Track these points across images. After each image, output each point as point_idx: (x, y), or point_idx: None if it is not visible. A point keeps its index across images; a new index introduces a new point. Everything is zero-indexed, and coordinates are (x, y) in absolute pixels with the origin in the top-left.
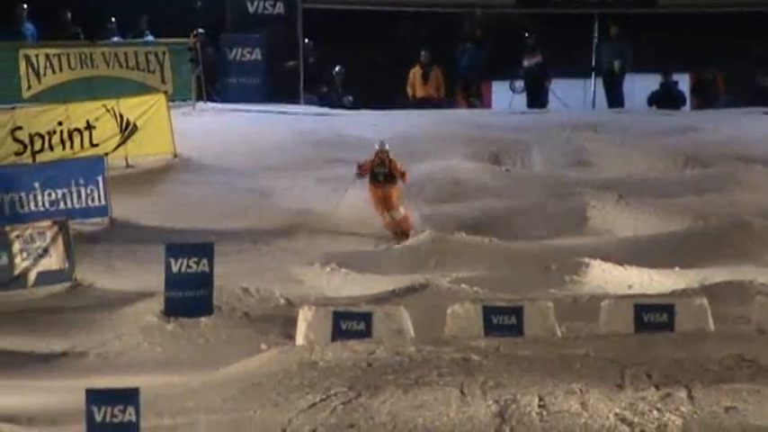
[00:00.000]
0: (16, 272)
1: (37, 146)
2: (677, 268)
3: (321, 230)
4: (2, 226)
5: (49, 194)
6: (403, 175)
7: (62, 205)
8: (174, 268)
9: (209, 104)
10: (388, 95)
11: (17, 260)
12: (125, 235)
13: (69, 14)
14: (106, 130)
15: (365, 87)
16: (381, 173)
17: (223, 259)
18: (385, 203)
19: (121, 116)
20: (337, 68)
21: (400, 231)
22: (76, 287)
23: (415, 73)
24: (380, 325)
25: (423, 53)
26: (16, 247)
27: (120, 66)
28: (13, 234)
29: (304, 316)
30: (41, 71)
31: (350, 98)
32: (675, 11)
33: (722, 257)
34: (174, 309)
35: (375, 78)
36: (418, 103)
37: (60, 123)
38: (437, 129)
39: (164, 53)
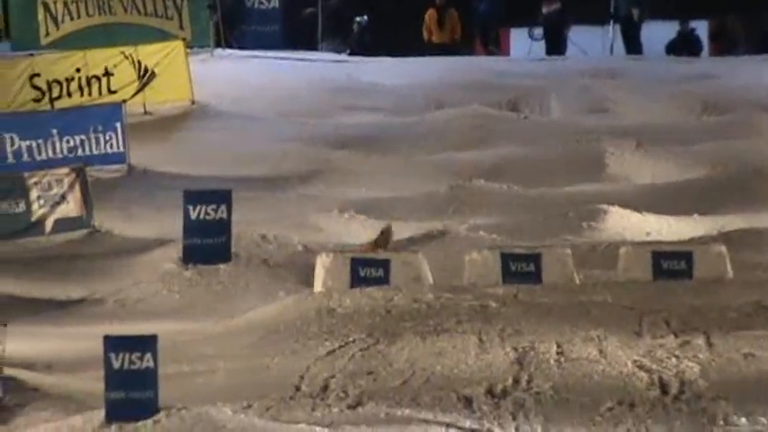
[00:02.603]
0: (34, 218)
1: (55, 92)
2: (695, 215)
3: (338, 177)
4: (20, 173)
5: (67, 141)
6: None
7: (80, 152)
8: (192, 215)
9: (227, 51)
10: (405, 41)
11: (35, 207)
12: (143, 182)
13: None
14: (124, 77)
15: (383, 33)
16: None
17: (241, 206)
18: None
19: (139, 63)
20: (358, 18)
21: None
22: (94, 234)
23: (431, 16)
24: (398, 272)
25: None
26: (34, 193)
27: (138, 12)
28: (31, 181)
29: (322, 263)
30: (59, 18)
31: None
32: None
33: (740, 204)
34: (192, 256)
35: (393, 23)
36: (434, 48)
37: (78, 70)
38: (455, 76)
39: (182, 0)
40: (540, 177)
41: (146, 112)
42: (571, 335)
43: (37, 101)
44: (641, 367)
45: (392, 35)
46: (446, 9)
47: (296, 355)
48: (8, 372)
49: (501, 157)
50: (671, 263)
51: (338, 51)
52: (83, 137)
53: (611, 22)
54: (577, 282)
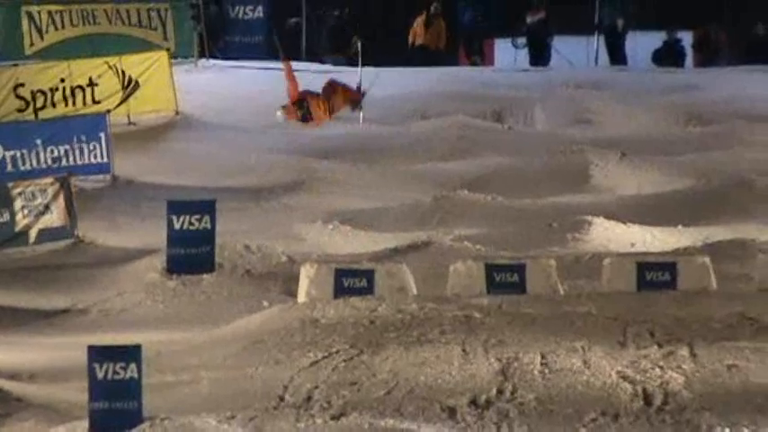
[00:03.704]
0: (18, 228)
1: (39, 102)
2: (680, 226)
3: (322, 187)
4: (3, 183)
5: (52, 151)
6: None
7: (64, 162)
8: (176, 225)
9: (212, 62)
10: (389, 47)
11: (18, 217)
12: (127, 192)
13: None
14: (108, 87)
15: (366, 41)
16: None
17: (225, 216)
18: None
19: (123, 73)
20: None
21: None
22: (78, 244)
23: (419, 21)
24: (383, 282)
25: (434, 5)
26: (18, 203)
27: (123, 22)
28: (15, 191)
29: (306, 273)
30: (44, 28)
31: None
32: None
33: (725, 216)
34: (175, 266)
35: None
36: (418, 50)
37: (62, 80)
38: (439, 86)
39: (166, 10)
40: (525, 188)
41: (130, 123)
42: (555, 345)
43: (21, 111)
44: (625, 378)
45: (376, 41)
46: (436, 17)
47: (280, 365)
48: None
49: (486, 168)
50: (655, 274)
51: (340, 64)
52: (67, 147)
53: (596, 32)
54: (561, 292)
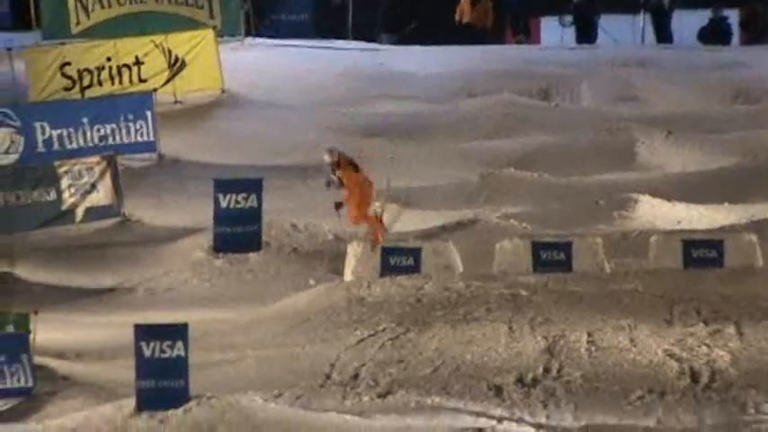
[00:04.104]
0: (64, 207)
1: (85, 81)
2: (726, 204)
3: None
4: (50, 161)
5: (98, 130)
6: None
7: (110, 141)
8: (223, 204)
9: (258, 40)
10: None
11: (65, 196)
12: (173, 170)
13: None
14: (154, 66)
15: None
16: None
17: (272, 195)
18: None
19: (170, 52)
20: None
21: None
22: (124, 222)
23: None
24: (429, 260)
25: None
26: (64, 182)
27: (169, 1)
28: (62, 169)
29: (353, 251)
30: (90, 6)
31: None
32: None
33: None
34: (222, 244)
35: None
36: (464, 28)
37: (109, 59)
38: (486, 64)
39: None
40: (571, 166)
41: (176, 101)
42: (602, 323)
43: (68, 90)
44: (672, 356)
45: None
46: None
47: (326, 343)
48: (39, 360)
49: (532, 146)
50: (701, 251)
51: (392, 43)
52: (113, 126)
53: (642, 10)
54: (608, 270)
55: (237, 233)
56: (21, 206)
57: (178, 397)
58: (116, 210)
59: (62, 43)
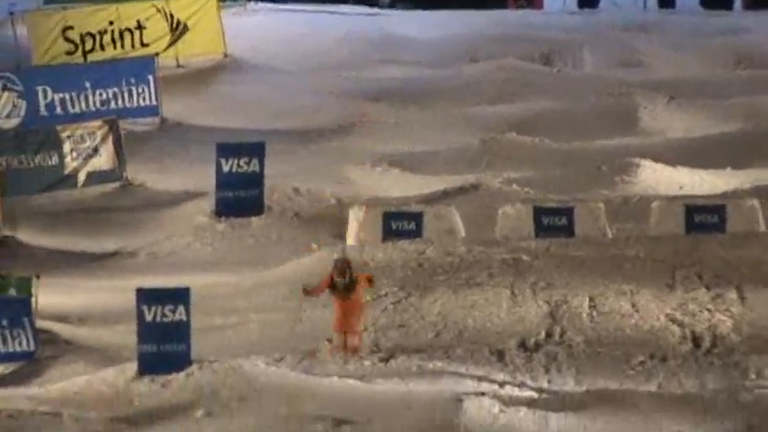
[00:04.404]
0: (67, 171)
1: (88, 45)
2: (728, 169)
3: (372, 130)
4: (52, 126)
5: (100, 94)
6: (370, 280)
7: (113, 105)
8: (225, 168)
9: (260, 5)
10: None
11: (67, 160)
12: (175, 135)
13: None
14: (157, 30)
15: None
16: (341, 283)
17: (274, 159)
18: (346, 322)
19: (172, 16)
20: None
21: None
22: (127, 187)
23: None
24: (431, 225)
25: None
26: (67, 146)
27: None
28: (64, 134)
29: (355, 216)
30: None
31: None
32: None
33: None
34: (224, 209)
35: None
36: None
37: (111, 23)
38: (488, 29)
39: None
40: (573, 131)
41: (178, 66)
42: (603, 288)
43: (70, 54)
44: (673, 321)
45: None
46: None
47: (328, 308)
48: (41, 324)
49: (534, 111)
50: (703, 216)
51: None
52: (115, 90)
53: None
54: (610, 235)
55: (239, 197)
56: (23, 170)
57: (180, 361)
58: (118, 174)
59: (64, 8)
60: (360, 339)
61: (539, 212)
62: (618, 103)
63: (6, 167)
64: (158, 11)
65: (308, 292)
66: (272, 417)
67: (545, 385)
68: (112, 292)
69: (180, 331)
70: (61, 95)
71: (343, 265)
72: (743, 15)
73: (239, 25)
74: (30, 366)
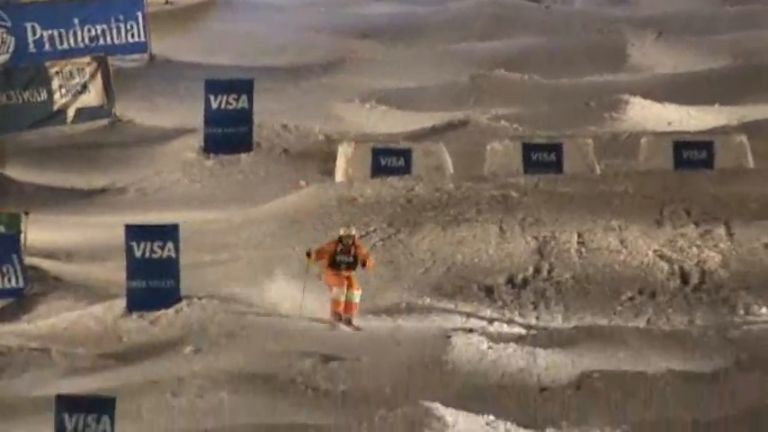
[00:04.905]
0: (56, 107)
1: None
2: (717, 105)
3: (360, 67)
4: (41, 62)
5: (89, 31)
6: (367, 263)
7: (101, 41)
8: (214, 105)
9: None
10: None
11: (56, 96)
12: (165, 71)
13: None
14: None
15: None
16: (344, 261)
17: (263, 96)
18: (346, 280)
19: None
20: None
21: (345, 316)
22: (116, 123)
23: None
24: (420, 161)
25: None
26: (55, 83)
27: None
28: (53, 70)
29: (343, 152)
30: None
31: None
32: None
33: (762, 94)
34: (213, 145)
35: None
36: None
37: None
38: None
39: None
40: (562, 67)
41: (167, 2)
42: (592, 224)
43: None
44: (662, 257)
45: None
46: None
47: (317, 244)
48: (30, 261)
49: (523, 47)
50: (692, 152)
51: None
52: (104, 26)
53: None
54: (598, 171)
55: (228, 134)
56: (12, 106)
57: (169, 297)
58: (107, 110)
59: None
60: (357, 306)
61: (527, 149)
62: (606, 40)
63: None
64: None
65: (318, 252)
66: (261, 353)
67: (533, 321)
68: (101, 229)
69: (169, 267)
70: (50, 32)
71: (349, 243)
72: None
73: None
74: (18, 303)
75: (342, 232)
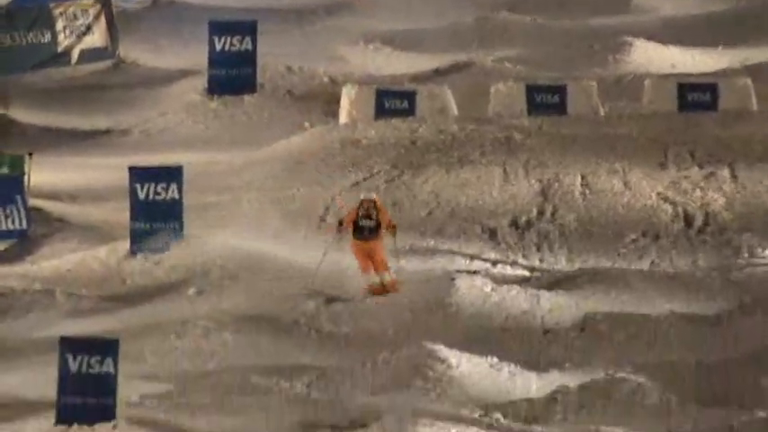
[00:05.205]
0: (60, 49)
1: None
2: (720, 47)
3: (364, 9)
4: (45, 3)
5: None
6: (393, 227)
7: None
8: (218, 46)
9: None
10: None
11: (60, 37)
12: (168, 13)
13: None
14: None
15: None
16: (367, 226)
17: (267, 37)
18: (374, 262)
19: None
20: None
21: (385, 292)
22: (119, 65)
23: None
24: (424, 103)
25: None
26: (59, 24)
27: None
28: (57, 11)
29: (347, 94)
30: None
31: None
32: None
33: (766, 37)
34: (217, 87)
35: None
36: None
37: None
38: None
39: None
40: (566, 9)
41: None
42: (596, 167)
43: None
44: (666, 199)
45: None
46: None
47: (321, 186)
48: (33, 202)
49: None
50: (696, 95)
51: None
52: None
53: None
54: (602, 114)
55: (232, 75)
56: (15, 48)
57: (173, 238)
58: (111, 52)
59: None
60: (395, 283)
61: (531, 90)
62: None
63: None
64: None
65: (341, 222)
66: (264, 295)
67: (537, 264)
68: (105, 170)
69: (172, 209)
70: None
71: (370, 206)
72: None
73: None
74: (22, 244)
75: (362, 197)
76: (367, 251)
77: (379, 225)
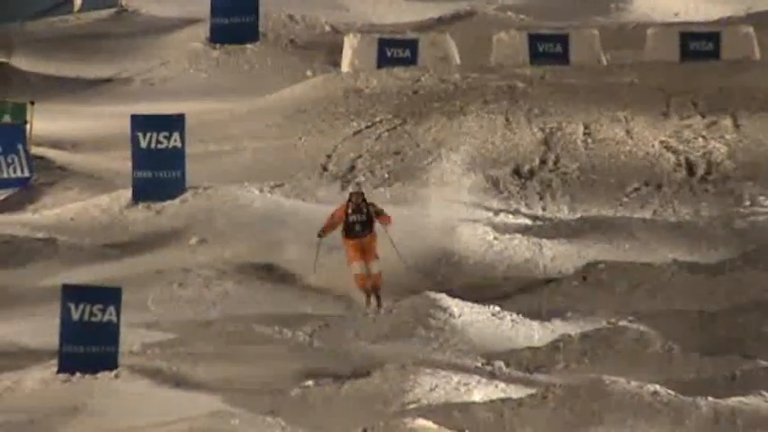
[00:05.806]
0: None
1: None
2: None
3: None
4: None
5: None
6: (387, 218)
7: None
8: None
9: None
10: None
11: None
12: None
13: None
14: None
15: None
16: (358, 221)
17: None
18: (363, 254)
19: None
20: None
21: (372, 289)
22: (122, 13)
23: None
24: (426, 52)
25: None
26: None
27: None
28: None
29: (350, 43)
30: None
31: None
32: None
33: None
34: (219, 35)
35: None
36: None
37: None
38: None
39: None
40: None
41: None
42: (598, 115)
43: None
44: (668, 148)
45: None
46: None
47: (323, 134)
48: (36, 151)
49: None
50: (698, 43)
51: None
52: None
53: None
54: (605, 62)
55: (234, 24)
56: None
57: (175, 187)
58: (113, 0)
59: None
60: (380, 277)
61: (533, 39)
62: None
63: None
64: None
65: (323, 234)
66: (266, 244)
67: (539, 212)
68: (107, 119)
69: (175, 158)
70: None
71: (359, 200)
72: None
73: None
74: (24, 193)
75: (350, 190)
76: (361, 248)
77: (370, 218)
